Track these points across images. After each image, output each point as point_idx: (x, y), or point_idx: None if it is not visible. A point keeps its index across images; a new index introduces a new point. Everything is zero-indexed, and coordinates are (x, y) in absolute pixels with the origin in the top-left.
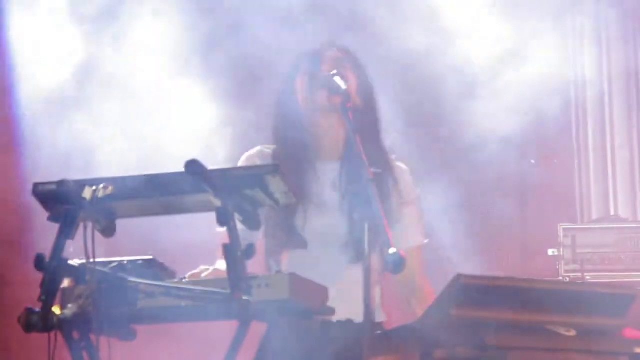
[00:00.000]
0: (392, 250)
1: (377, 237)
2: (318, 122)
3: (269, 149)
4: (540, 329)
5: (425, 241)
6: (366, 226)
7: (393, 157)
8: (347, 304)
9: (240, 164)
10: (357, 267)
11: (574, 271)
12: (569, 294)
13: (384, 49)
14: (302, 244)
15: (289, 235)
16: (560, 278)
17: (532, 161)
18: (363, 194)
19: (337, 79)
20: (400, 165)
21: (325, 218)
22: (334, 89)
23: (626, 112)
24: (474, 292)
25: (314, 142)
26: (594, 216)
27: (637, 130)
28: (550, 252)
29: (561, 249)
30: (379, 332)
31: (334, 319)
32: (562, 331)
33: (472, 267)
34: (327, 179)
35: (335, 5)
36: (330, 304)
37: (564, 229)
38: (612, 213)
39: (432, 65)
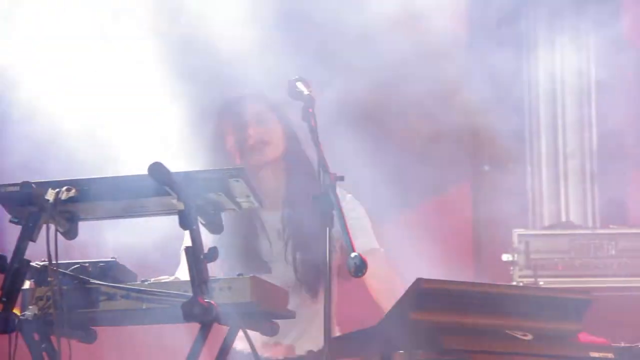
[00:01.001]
0: (353, 254)
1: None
2: (254, 176)
3: None
4: (498, 333)
5: (382, 249)
6: (327, 230)
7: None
8: (307, 342)
9: None
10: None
11: (528, 277)
12: (526, 298)
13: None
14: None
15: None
16: (514, 283)
17: (486, 167)
18: (324, 202)
19: (299, 84)
20: (347, 194)
21: (274, 271)
22: (295, 95)
23: (578, 119)
24: (433, 297)
25: None
26: (546, 222)
27: (588, 138)
28: (504, 257)
29: (515, 255)
30: (339, 335)
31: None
32: (519, 335)
33: (425, 272)
34: (271, 232)
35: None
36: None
37: (518, 235)
38: (564, 219)
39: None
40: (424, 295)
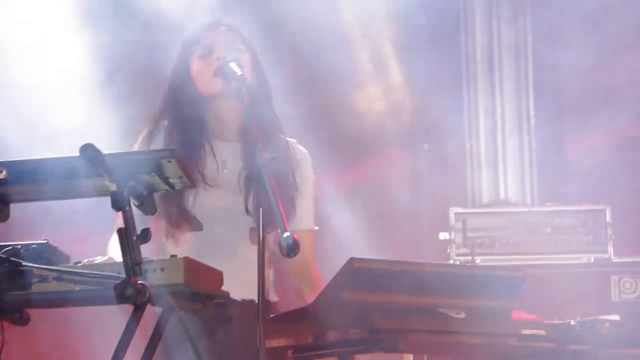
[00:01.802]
0: (286, 234)
1: (271, 221)
2: (215, 105)
3: (157, 131)
4: (431, 312)
5: (316, 228)
6: (260, 210)
7: (294, 140)
8: (240, 282)
9: (139, 141)
10: (250, 245)
11: (465, 255)
12: (459, 277)
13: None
14: (198, 226)
15: (182, 217)
16: (452, 262)
17: (425, 146)
18: (258, 177)
19: (232, 65)
20: (301, 149)
21: (215, 196)
22: (229, 76)
23: (516, 95)
24: (366, 276)
25: (211, 123)
26: (485, 201)
27: (527, 116)
28: (441, 236)
29: (452, 233)
30: (272, 314)
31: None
32: (452, 313)
33: (363, 251)
34: (222, 158)
35: None
36: (225, 281)
37: (455, 213)
38: (502, 197)
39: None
40: (357, 274)
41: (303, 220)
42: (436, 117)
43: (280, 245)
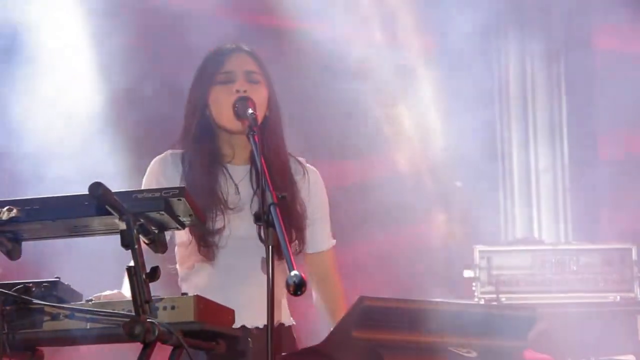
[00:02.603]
0: (293, 273)
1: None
2: (229, 135)
3: (177, 153)
4: (441, 350)
5: (334, 241)
6: (270, 248)
7: (302, 160)
8: (255, 308)
9: (150, 168)
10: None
11: (490, 293)
12: (470, 315)
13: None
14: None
15: (206, 243)
16: (476, 300)
17: (458, 183)
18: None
19: (246, 104)
20: (311, 168)
21: (233, 222)
22: (242, 115)
23: (549, 132)
24: (376, 314)
25: (224, 149)
26: (519, 238)
27: (560, 154)
28: (465, 273)
29: (477, 271)
30: (285, 354)
31: (248, 324)
32: (463, 352)
33: (390, 288)
34: (235, 182)
35: None
36: (241, 308)
37: (479, 251)
38: (537, 236)
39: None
40: (367, 313)
41: (324, 241)
42: (470, 155)
43: (287, 284)
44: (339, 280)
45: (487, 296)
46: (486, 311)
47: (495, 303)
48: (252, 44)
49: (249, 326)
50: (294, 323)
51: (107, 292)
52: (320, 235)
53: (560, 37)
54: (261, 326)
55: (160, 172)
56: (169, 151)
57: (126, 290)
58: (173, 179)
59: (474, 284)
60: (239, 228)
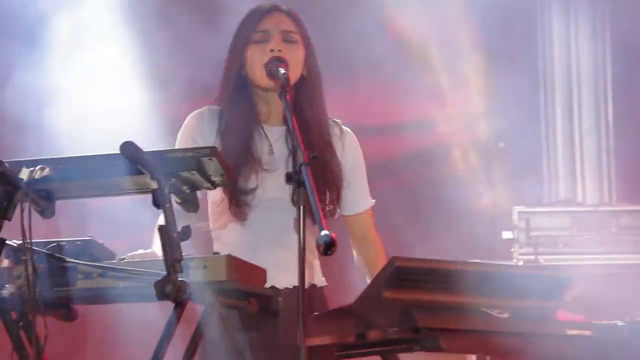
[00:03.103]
0: (323, 232)
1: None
2: (264, 93)
3: (214, 109)
4: (473, 311)
5: (372, 201)
6: (301, 208)
7: (339, 121)
8: (287, 268)
9: (186, 123)
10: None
11: (528, 254)
12: (502, 276)
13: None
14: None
15: (240, 202)
16: (514, 261)
17: (501, 144)
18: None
19: (278, 65)
20: (347, 130)
21: (267, 182)
22: (274, 75)
23: (593, 93)
24: (407, 275)
25: (260, 107)
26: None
27: (604, 114)
28: (504, 235)
29: (515, 232)
30: (316, 313)
31: (278, 285)
32: (495, 313)
33: (427, 248)
34: (270, 143)
35: None
36: (273, 267)
37: (518, 212)
38: (580, 197)
39: None
40: (398, 273)
41: (361, 202)
42: (513, 117)
43: (317, 244)
44: (377, 238)
45: (525, 257)
46: (518, 272)
47: (533, 264)
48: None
49: (279, 287)
50: (326, 284)
51: (140, 251)
52: (358, 197)
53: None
54: (291, 287)
55: (197, 128)
56: (206, 107)
57: (158, 249)
58: (209, 135)
59: (512, 245)
60: (271, 188)
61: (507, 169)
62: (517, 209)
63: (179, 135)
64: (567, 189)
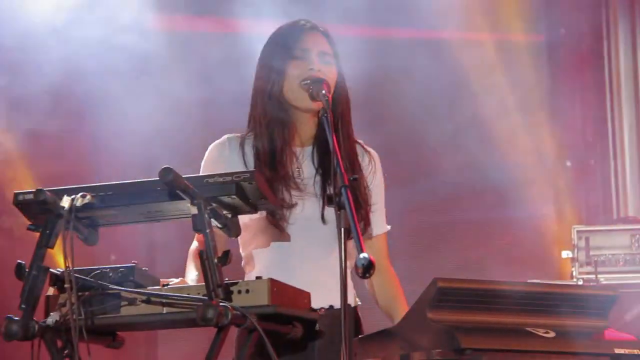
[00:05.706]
0: (362, 255)
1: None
2: (298, 112)
3: (235, 137)
4: (518, 331)
5: (388, 227)
6: (342, 230)
7: (361, 142)
8: (321, 289)
9: (207, 154)
10: (333, 253)
11: (588, 273)
12: (547, 295)
13: None
14: (283, 235)
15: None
16: (574, 280)
17: (568, 163)
18: (338, 198)
19: (320, 85)
20: (372, 151)
21: (298, 203)
22: (316, 96)
23: None
24: (450, 296)
25: (290, 127)
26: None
27: None
28: (563, 254)
29: (575, 251)
30: (361, 336)
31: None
32: (541, 333)
33: (494, 266)
34: (299, 163)
35: None
36: (306, 288)
37: (577, 231)
38: None
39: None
40: (441, 294)
41: (379, 224)
42: (579, 134)
43: (356, 266)
44: (389, 265)
45: (585, 276)
46: (564, 291)
47: (594, 284)
48: None
49: (314, 307)
50: (360, 303)
51: (174, 280)
52: (377, 219)
53: None
54: (326, 307)
55: (219, 158)
56: (226, 136)
57: (189, 277)
58: (236, 162)
59: (572, 264)
60: (302, 209)
61: (573, 186)
62: (576, 227)
63: (202, 166)
64: (635, 206)
